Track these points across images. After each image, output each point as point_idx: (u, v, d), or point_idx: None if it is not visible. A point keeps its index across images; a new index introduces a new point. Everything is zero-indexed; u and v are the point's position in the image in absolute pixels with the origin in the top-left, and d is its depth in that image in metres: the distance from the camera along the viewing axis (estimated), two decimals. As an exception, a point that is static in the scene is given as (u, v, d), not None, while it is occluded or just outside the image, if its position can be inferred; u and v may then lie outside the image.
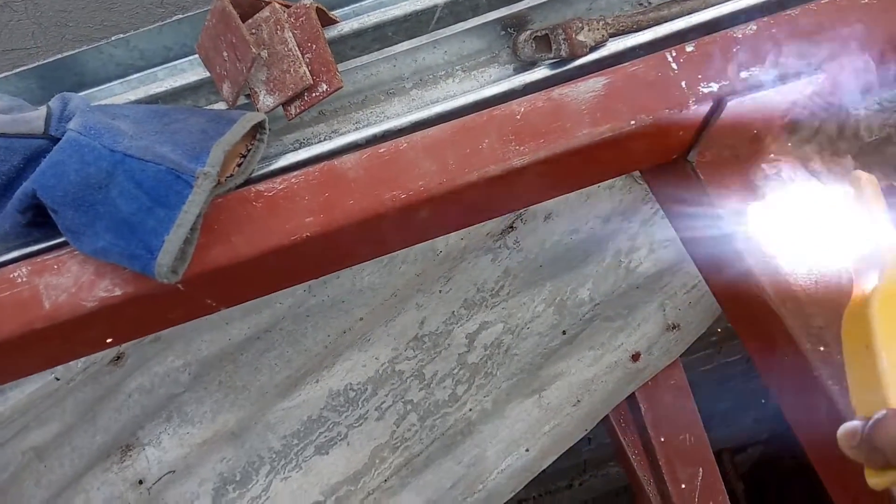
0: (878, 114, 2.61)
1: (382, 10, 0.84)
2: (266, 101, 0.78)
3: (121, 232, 0.66)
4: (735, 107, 0.69)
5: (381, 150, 0.71)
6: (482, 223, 1.26)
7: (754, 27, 0.71)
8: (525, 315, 1.33)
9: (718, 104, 0.69)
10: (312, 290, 1.25)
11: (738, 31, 0.71)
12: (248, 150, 0.75)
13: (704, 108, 0.70)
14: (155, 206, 0.65)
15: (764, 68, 0.69)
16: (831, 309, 0.69)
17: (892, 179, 0.86)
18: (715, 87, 0.69)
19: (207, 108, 0.84)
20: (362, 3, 0.88)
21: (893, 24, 0.70)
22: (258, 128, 0.75)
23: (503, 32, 0.85)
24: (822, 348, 0.67)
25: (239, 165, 0.74)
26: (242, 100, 0.80)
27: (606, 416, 1.69)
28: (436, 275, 1.27)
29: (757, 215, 0.73)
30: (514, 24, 0.84)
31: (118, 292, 0.68)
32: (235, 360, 1.28)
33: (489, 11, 0.83)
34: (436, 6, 0.84)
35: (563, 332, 1.37)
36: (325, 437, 1.31)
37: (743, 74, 0.69)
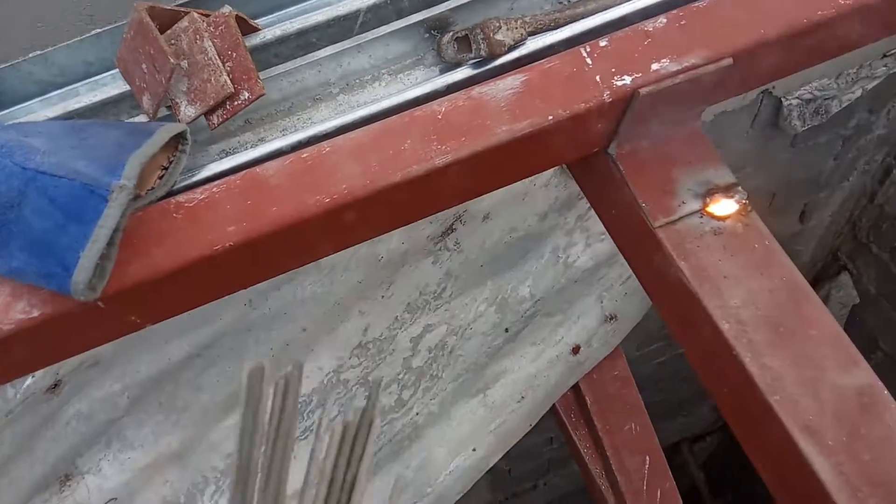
0: (809, 103, 2.67)
1: (305, 16, 0.84)
2: (187, 111, 0.77)
3: (35, 251, 0.64)
4: (648, 98, 0.71)
5: (304, 156, 0.70)
6: (422, 227, 1.26)
7: (664, 20, 0.73)
8: (468, 315, 1.34)
9: (632, 96, 0.71)
10: (253, 303, 1.23)
11: (650, 25, 0.73)
12: (170, 162, 0.74)
13: (619, 101, 0.71)
14: (69, 222, 0.63)
15: (675, 59, 0.71)
16: (746, 289, 0.72)
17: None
18: (628, 79, 0.71)
19: (128, 121, 0.82)
20: (286, 10, 0.87)
21: (796, 11, 0.73)
22: (180, 139, 0.74)
23: (427, 35, 0.85)
24: (738, 326, 0.70)
25: (160, 178, 0.72)
26: (164, 111, 0.79)
27: (558, 414, 1.71)
28: (378, 280, 1.26)
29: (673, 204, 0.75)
30: (438, 27, 0.85)
31: (36, 313, 0.65)
32: (176, 380, 1.25)
33: (412, 14, 0.84)
34: (359, 11, 0.84)
35: (506, 330, 1.38)
36: (272, 451, 1.29)
37: (655, 66, 0.71)
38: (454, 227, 1.26)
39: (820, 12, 0.72)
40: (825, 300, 3.92)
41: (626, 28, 0.73)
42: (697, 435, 4.89)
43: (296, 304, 1.22)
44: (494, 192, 1.27)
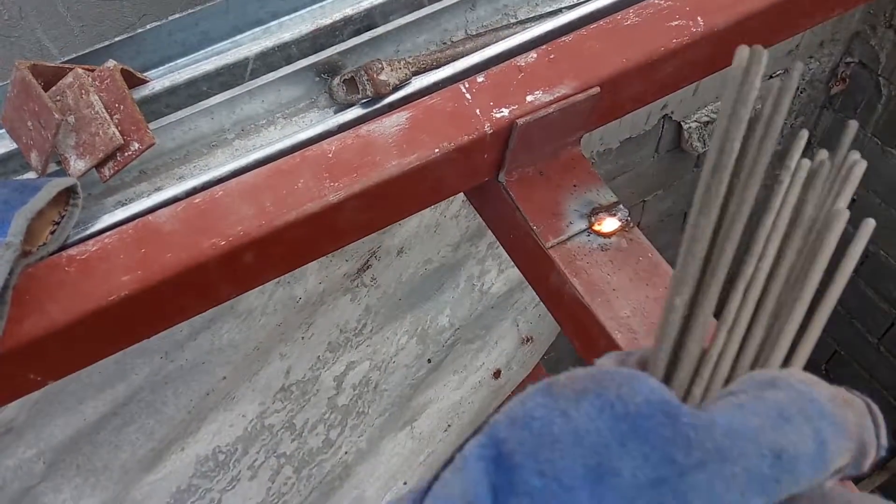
0: (707, 125, 2.83)
1: (194, 66, 0.86)
2: (77, 165, 0.77)
3: (-82, 314, 0.62)
4: (526, 128, 0.75)
5: (197, 201, 0.72)
6: (337, 265, 1.27)
7: (535, 55, 0.78)
8: (390, 349, 1.35)
9: (512, 126, 0.75)
10: (169, 355, 1.22)
11: (522, 60, 0.78)
12: (62, 217, 0.73)
13: (500, 132, 0.76)
14: (-47, 282, 0.62)
15: (547, 90, 0.76)
16: (634, 299, 0.76)
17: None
18: (506, 111, 0.75)
19: (17, 178, 0.82)
20: (175, 61, 0.89)
21: (653, 41, 0.79)
22: (70, 193, 0.74)
23: (318, 78, 0.88)
24: (630, 335, 0.74)
25: (52, 233, 0.72)
26: (54, 167, 0.79)
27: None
28: (297, 322, 1.26)
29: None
30: (328, 70, 0.88)
31: (-78, 378, 0.64)
32: (93, 441, 1.21)
33: (300, 59, 0.87)
34: (247, 59, 0.87)
35: (429, 361, 1.40)
36: (198, 505, 1.26)
37: (529, 98, 0.76)
38: (370, 263, 1.28)
39: (675, 40, 0.79)
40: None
41: (501, 64, 0.78)
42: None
43: (214, 353, 1.21)
44: (407, 226, 1.31)
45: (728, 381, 0.39)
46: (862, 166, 0.42)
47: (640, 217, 3.06)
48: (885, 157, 2.89)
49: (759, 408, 0.35)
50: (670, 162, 2.78)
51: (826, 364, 4.03)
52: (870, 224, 0.42)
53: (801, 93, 2.88)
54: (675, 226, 3.22)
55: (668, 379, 0.39)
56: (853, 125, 0.43)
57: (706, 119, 2.65)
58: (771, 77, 2.74)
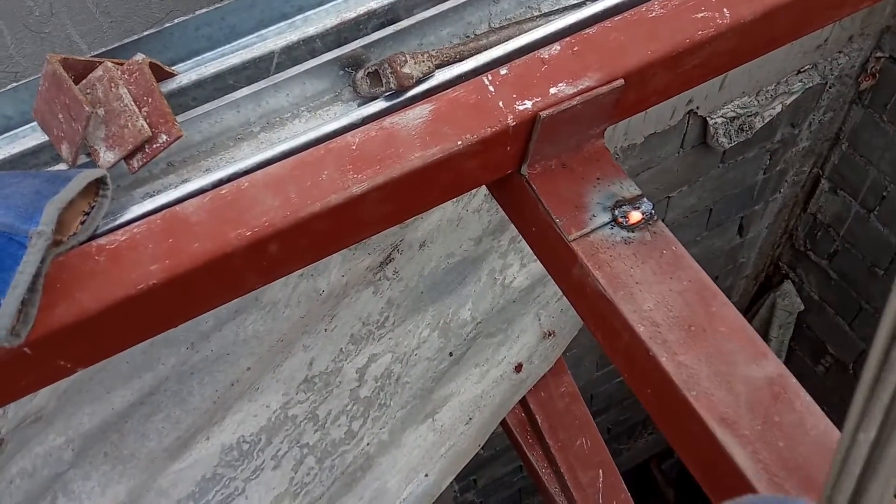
0: (733, 121, 2.80)
1: (221, 59, 0.87)
2: (107, 156, 0.78)
3: (-45, 301, 0.64)
4: (549, 120, 0.75)
5: (223, 192, 0.73)
6: (360, 258, 1.28)
7: (558, 47, 0.78)
8: (412, 342, 1.36)
9: (535, 119, 0.75)
10: (195, 346, 1.23)
11: (545, 52, 0.78)
12: (92, 207, 0.75)
13: (523, 124, 0.76)
14: (-12, 270, 0.64)
15: (570, 83, 0.76)
16: (658, 292, 0.76)
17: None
18: (529, 104, 0.75)
19: (48, 169, 0.83)
20: (202, 55, 0.90)
21: (678, 33, 0.79)
22: (100, 184, 0.75)
23: (342, 72, 0.89)
24: (653, 328, 0.73)
25: (82, 223, 0.74)
26: (84, 158, 0.81)
27: (514, 436, 1.73)
28: (320, 314, 1.28)
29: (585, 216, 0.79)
30: (352, 64, 0.89)
31: (-42, 363, 0.66)
32: (120, 429, 1.23)
33: (325, 53, 0.88)
34: (272, 52, 0.88)
35: (450, 354, 1.40)
36: (222, 494, 1.28)
37: (553, 90, 0.76)
38: (392, 256, 1.29)
39: (700, 32, 0.78)
40: (771, 309, 4.05)
41: (524, 56, 0.78)
42: (665, 452, 4.94)
43: (238, 344, 1.22)
44: (429, 219, 1.31)
45: None
46: None
47: (665, 213, 3.04)
48: (917, 153, 2.83)
49: None
50: (695, 158, 2.75)
51: (853, 364, 3.96)
52: None
53: (830, 88, 2.83)
54: (699, 222, 3.19)
55: None
56: None
57: (732, 114, 2.62)
58: (799, 72, 2.69)
